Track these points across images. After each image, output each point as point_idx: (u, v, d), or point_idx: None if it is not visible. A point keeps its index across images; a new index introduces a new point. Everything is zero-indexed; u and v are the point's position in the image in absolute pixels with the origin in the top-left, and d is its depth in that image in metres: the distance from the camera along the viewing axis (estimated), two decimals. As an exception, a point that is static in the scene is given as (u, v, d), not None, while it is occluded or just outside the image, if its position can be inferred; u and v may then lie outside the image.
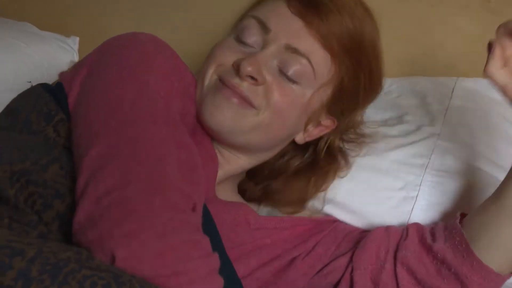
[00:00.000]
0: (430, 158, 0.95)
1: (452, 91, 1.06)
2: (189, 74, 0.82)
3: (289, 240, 0.91)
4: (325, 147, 0.94)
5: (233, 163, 0.90)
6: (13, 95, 1.27)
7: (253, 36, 0.84)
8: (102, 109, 0.71)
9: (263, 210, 0.99)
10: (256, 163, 0.93)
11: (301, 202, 0.97)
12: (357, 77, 0.87)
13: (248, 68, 0.80)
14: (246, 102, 0.82)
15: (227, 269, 0.74)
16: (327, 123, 0.90)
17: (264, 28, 0.83)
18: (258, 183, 0.99)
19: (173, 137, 0.71)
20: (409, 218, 0.92)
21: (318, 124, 0.90)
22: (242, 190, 0.99)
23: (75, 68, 0.80)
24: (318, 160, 0.95)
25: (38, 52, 1.29)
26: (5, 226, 0.65)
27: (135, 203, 0.62)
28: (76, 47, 1.40)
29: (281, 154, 0.96)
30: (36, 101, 0.78)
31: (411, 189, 0.93)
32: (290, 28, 0.83)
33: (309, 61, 0.82)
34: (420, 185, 0.92)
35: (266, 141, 0.87)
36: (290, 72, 0.82)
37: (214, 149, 0.87)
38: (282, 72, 0.82)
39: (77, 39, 1.42)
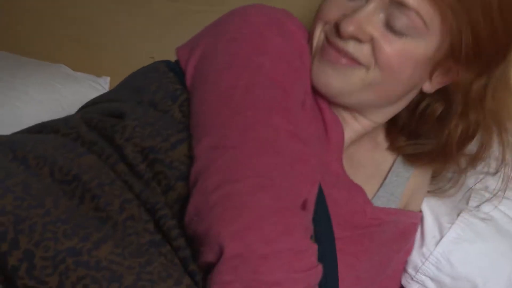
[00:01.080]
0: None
1: None
2: (303, 42, 0.78)
3: (394, 236, 0.88)
4: (467, 94, 0.81)
5: (356, 125, 0.84)
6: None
7: None
8: (215, 98, 0.70)
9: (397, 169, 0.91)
10: (383, 119, 0.85)
11: (443, 156, 0.86)
12: (484, 23, 0.74)
13: (349, 29, 0.73)
14: (353, 61, 0.76)
15: (329, 264, 0.73)
16: (459, 70, 0.79)
17: None
18: (401, 132, 0.89)
19: (287, 128, 0.68)
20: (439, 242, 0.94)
21: (448, 71, 0.79)
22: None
23: (191, 46, 0.80)
24: (463, 107, 0.82)
25: (72, 92, 1.35)
26: (130, 215, 0.65)
27: (243, 200, 0.62)
28: (107, 86, 1.44)
29: (416, 103, 0.85)
30: (161, 80, 0.78)
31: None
32: None
33: (418, 14, 0.72)
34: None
35: (381, 99, 0.80)
36: (397, 26, 0.73)
37: (335, 114, 0.82)
38: (388, 25, 0.74)
39: (108, 78, 1.46)
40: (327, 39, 0.77)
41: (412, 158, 0.90)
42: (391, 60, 0.74)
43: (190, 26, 1.37)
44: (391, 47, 0.74)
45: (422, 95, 0.84)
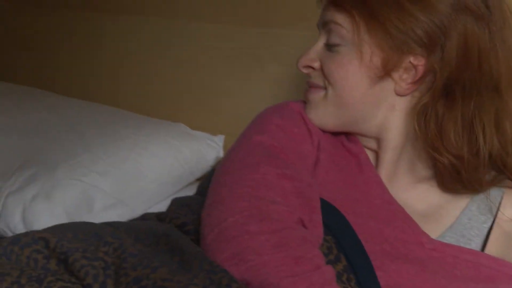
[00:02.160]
0: None
1: None
2: (304, 115, 0.92)
3: (472, 277, 0.82)
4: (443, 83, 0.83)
5: (380, 161, 0.90)
6: (164, 188, 1.43)
7: None
8: (220, 172, 0.87)
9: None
10: (390, 138, 0.89)
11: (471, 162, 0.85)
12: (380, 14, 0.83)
13: (301, 62, 0.91)
14: (316, 87, 0.91)
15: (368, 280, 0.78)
16: (419, 61, 0.84)
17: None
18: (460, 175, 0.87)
19: (275, 171, 0.81)
20: None
21: (410, 67, 0.85)
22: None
23: None
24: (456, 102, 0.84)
25: (189, 149, 1.43)
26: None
27: (230, 232, 0.74)
28: (221, 144, 1.51)
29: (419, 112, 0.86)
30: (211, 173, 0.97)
31: None
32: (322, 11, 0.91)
33: (335, 23, 0.87)
34: None
35: (350, 110, 0.89)
36: (330, 42, 0.88)
37: (365, 157, 0.91)
38: (327, 47, 0.89)
39: (223, 137, 1.52)
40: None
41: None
42: (334, 72, 0.88)
43: (299, 87, 1.43)
44: (330, 62, 0.88)
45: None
